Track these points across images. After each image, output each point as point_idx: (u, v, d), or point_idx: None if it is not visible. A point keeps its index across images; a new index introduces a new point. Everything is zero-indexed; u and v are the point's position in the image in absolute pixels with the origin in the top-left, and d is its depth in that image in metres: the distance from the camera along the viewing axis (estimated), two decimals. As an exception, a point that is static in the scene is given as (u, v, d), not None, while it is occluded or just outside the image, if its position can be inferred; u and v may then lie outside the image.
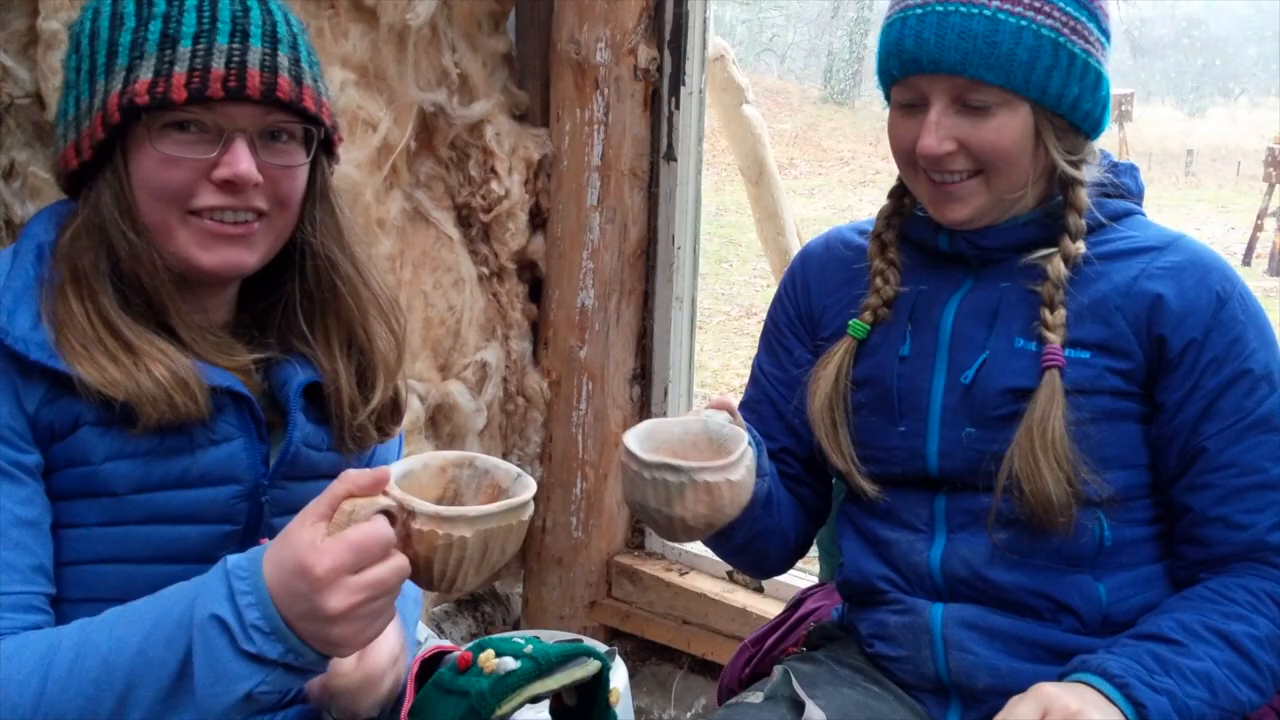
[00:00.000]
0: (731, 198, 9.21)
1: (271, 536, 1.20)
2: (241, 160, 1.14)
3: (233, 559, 0.99)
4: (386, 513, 0.98)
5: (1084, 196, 1.31)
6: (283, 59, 1.15)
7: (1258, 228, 10.07)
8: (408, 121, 2.28)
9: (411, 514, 0.98)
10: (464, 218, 2.50)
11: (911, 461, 1.36)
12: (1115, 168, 1.38)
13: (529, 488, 1.03)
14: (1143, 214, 1.38)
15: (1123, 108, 9.80)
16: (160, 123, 1.13)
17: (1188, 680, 1.19)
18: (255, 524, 1.21)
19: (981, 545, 1.32)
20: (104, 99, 1.13)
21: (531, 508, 1.03)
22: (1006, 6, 1.24)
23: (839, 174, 12.50)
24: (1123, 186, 1.38)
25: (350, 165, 2.17)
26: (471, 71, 2.40)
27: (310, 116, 1.19)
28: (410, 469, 1.06)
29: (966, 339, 1.34)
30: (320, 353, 1.27)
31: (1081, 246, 1.30)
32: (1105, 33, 1.31)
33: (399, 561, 0.97)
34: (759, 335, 1.55)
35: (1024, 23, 1.24)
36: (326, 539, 0.95)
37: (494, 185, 2.46)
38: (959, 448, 1.33)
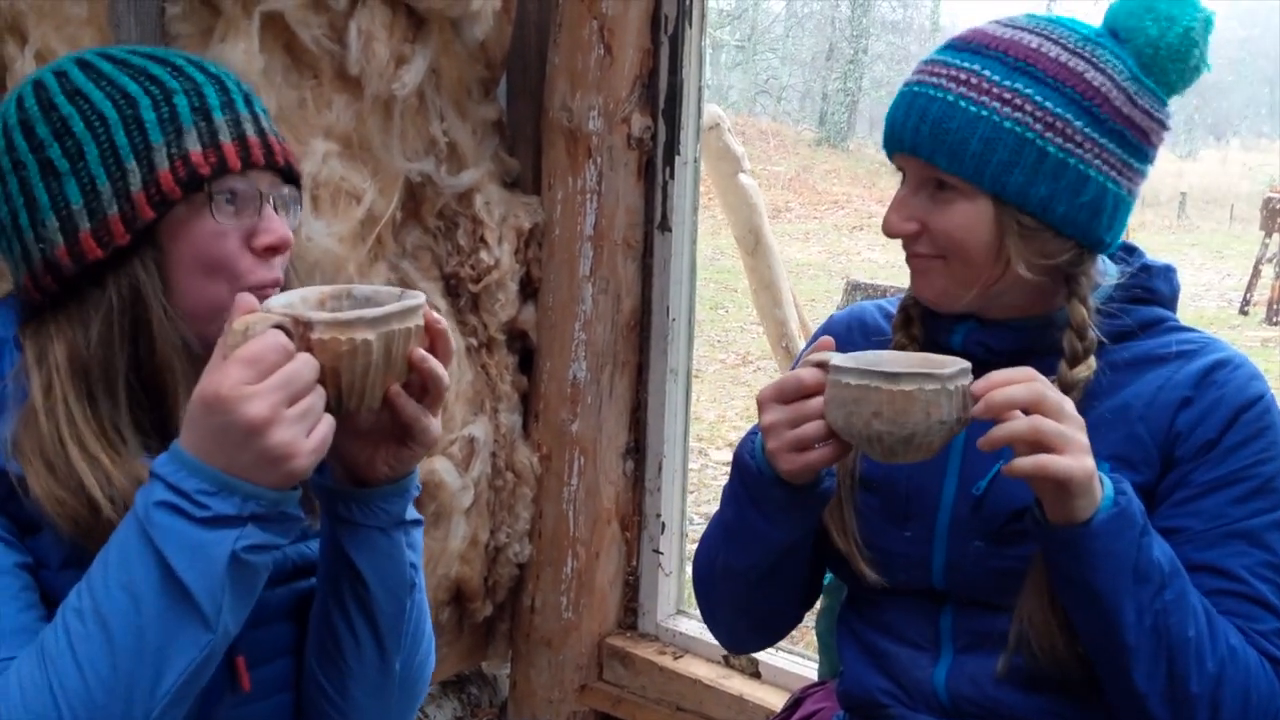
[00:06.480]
0: (728, 241, 9.17)
1: (245, 653, 1.12)
2: (278, 224, 1.13)
3: (155, 462, 0.96)
4: (280, 328, 0.95)
5: (1082, 313, 1.22)
6: (273, 125, 1.17)
7: (1255, 275, 10.07)
8: (393, 192, 2.21)
9: (308, 325, 0.95)
10: (452, 288, 2.42)
11: (915, 570, 1.28)
12: (1148, 270, 1.30)
13: (419, 296, 1.02)
14: (1174, 319, 1.30)
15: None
16: (213, 193, 1.09)
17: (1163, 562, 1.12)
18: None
19: (990, 666, 1.24)
20: (146, 177, 1.07)
21: (423, 314, 1.02)
22: (970, 94, 1.19)
23: (834, 218, 12.48)
24: (1155, 291, 1.29)
25: (333, 238, 2.09)
26: (460, 140, 2.32)
27: (298, 180, 1.19)
28: (289, 302, 1.01)
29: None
30: None
31: (1084, 371, 1.21)
32: (1108, 131, 1.19)
33: (306, 357, 0.94)
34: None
35: (984, 113, 1.18)
36: (223, 363, 0.93)
37: (483, 254, 2.39)
38: (967, 561, 1.25)
